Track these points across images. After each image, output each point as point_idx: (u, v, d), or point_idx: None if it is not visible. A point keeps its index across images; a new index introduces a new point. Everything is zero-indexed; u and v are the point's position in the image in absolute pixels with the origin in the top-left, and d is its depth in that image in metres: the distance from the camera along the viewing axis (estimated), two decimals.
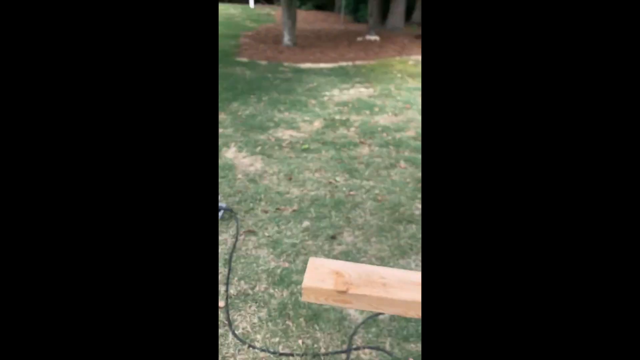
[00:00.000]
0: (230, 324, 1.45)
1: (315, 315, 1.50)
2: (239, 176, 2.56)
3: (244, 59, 6.39)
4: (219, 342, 1.39)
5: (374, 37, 8.39)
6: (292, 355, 1.36)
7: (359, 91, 4.78)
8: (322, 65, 6.27)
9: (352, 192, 2.39)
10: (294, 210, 2.19)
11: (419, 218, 2.15)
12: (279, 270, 1.73)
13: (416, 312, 0.68)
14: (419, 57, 7.12)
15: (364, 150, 3.04)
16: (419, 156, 2.93)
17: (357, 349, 1.41)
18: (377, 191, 2.41)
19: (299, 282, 1.67)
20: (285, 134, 3.32)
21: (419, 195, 2.37)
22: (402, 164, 2.81)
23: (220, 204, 2.11)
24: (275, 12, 14.12)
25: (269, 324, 1.47)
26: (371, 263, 1.80)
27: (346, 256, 1.84)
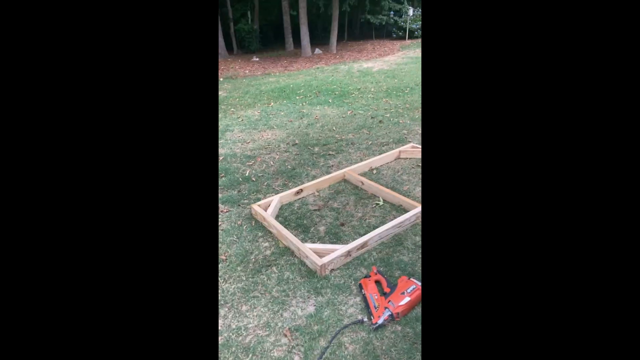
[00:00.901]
0: None
1: None
2: None
3: None
4: None
5: None
6: None
7: None
8: None
9: None
10: None
11: (274, 257, 2.00)
12: None
13: None
14: None
15: None
16: (234, 192, 2.74)
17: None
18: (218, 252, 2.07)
19: None
20: None
21: (259, 234, 2.21)
22: (222, 207, 2.55)
23: None
24: None
25: None
26: (258, 337, 1.52)
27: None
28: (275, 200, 2.44)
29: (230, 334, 1.54)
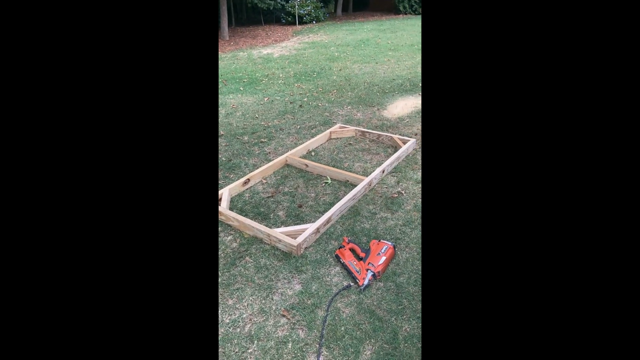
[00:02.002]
0: None
1: None
2: None
3: None
4: None
5: None
6: None
7: None
8: None
9: None
10: None
11: (243, 248, 1.99)
12: None
13: None
14: None
15: None
16: None
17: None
18: None
19: None
20: None
21: (218, 228, 2.15)
22: None
23: None
24: None
25: None
26: (256, 324, 1.53)
27: None
28: (225, 193, 2.38)
29: (227, 328, 1.52)
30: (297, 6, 14.23)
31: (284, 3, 14.51)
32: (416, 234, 2.03)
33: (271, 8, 14.06)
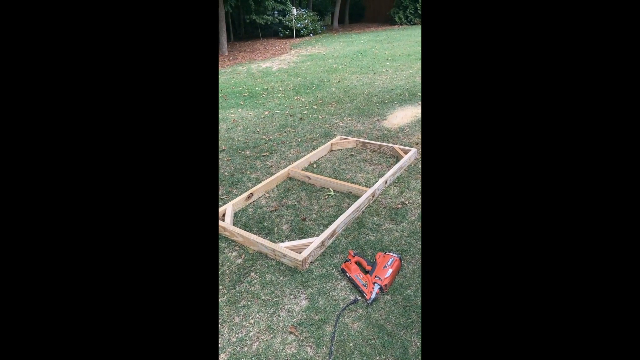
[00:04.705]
0: None
1: None
2: None
3: None
4: None
5: None
6: None
7: None
8: None
9: None
10: None
11: (248, 264, 1.97)
12: None
13: None
14: None
15: None
16: None
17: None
18: None
19: None
20: None
21: (223, 244, 2.13)
22: None
23: None
24: None
25: None
26: (264, 342, 1.51)
27: None
28: (229, 209, 2.37)
29: (235, 348, 1.50)
30: (294, 20, 14.45)
31: (281, 18, 14.74)
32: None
33: (269, 23, 14.29)
